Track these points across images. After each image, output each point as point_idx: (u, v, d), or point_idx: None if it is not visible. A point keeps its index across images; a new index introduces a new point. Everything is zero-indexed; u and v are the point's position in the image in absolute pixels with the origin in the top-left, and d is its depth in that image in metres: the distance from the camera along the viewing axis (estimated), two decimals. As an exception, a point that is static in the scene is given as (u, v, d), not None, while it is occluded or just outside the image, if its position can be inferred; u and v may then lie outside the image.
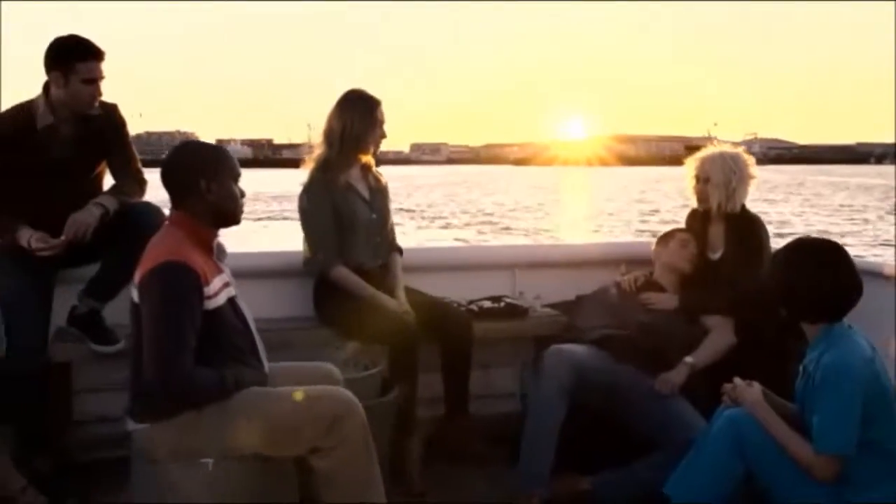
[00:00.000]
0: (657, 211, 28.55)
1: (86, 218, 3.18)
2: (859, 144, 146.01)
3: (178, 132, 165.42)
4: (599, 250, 4.47)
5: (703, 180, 3.54)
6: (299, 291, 3.67)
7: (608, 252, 4.35)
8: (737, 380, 2.60)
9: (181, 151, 2.55)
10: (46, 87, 3.25)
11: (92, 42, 3.22)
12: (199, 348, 2.34)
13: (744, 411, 2.50)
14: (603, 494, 3.04)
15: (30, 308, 3.21)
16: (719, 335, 3.36)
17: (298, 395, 2.42)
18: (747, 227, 3.51)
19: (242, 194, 2.54)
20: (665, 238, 3.73)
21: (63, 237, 3.16)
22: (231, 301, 2.50)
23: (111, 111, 3.39)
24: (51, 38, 3.24)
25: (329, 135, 3.56)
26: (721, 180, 3.48)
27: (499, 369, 3.95)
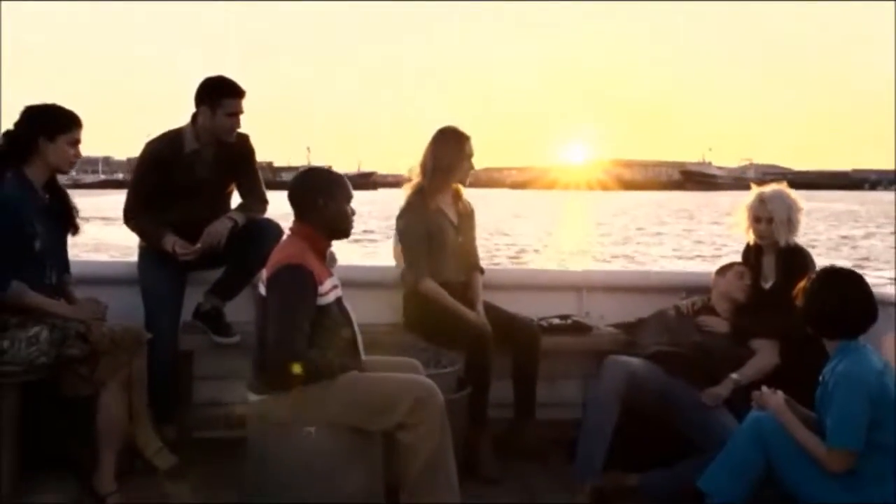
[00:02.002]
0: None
1: (220, 229, 3.76)
2: (854, 171, 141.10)
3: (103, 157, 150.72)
4: (662, 277, 4.85)
5: (765, 220, 3.88)
6: (390, 300, 4.14)
7: (671, 279, 4.72)
8: (763, 387, 2.98)
9: (306, 175, 3.09)
10: (194, 116, 3.86)
11: (236, 82, 3.82)
12: (312, 336, 2.86)
13: (768, 414, 2.88)
14: (648, 490, 3.41)
15: (167, 302, 3.81)
16: (764, 356, 3.71)
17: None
18: (797, 259, 3.84)
19: (353, 212, 3.07)
20: (723, 269, 4.10)
21: (199, 244, 3.76)
22: (338, 300, 3.02)
23: (244, 140, 3.96)
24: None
25: (424, 165, 4.07)
26: (784, 218, 3.84)
27: (564, 381, 4.34)
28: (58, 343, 3.05)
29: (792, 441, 2.82)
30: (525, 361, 3.94)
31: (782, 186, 3.97)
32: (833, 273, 2.97)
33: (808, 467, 2.80)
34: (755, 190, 4.00)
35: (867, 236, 31.83)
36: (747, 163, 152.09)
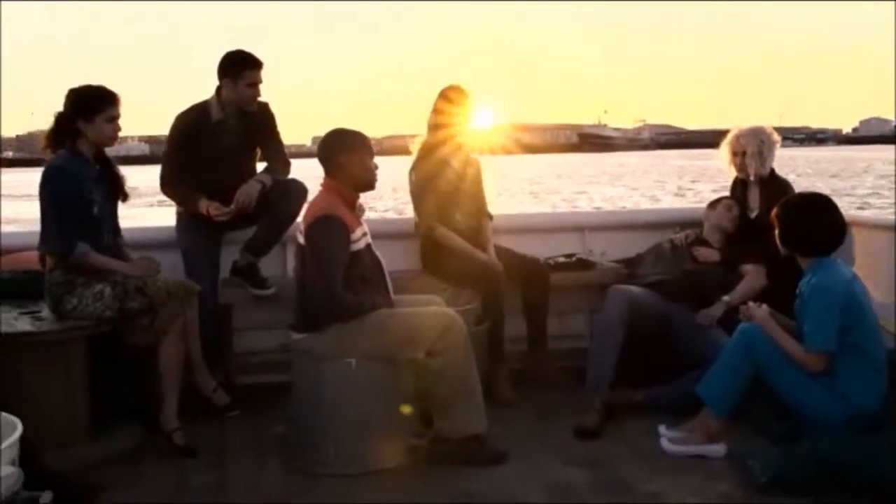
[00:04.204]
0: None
1: (250, 191, 4.08)
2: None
3: None
4: (657, 214, 5.21)
5: (740, 154, 4.25)
6: (408, 248, 4.48)
7: (665, 216, 5.09)
8: (750, 302, 3.36)
9: (332, 136, 3.41)
10: (218, 89, 4.17)
11: (254, 55, 4.12)
12: (347, 279, 3.23)
13: (755, 325, 3.26)
14: (652, 403, 3.79)
15: (206, 260, 4.15)
16: (752, 279, 4.08)
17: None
18: (778, 189, 4.20)
19: (376, 167, 3.41)
20: (713, 203, 4.46)
21: (233, 206, 4.09)
22: (368, 246, 3.37)
23: (265, 109, 4.26)
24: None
25: (429, 122, 4.41)
26: (754, 151, 4.19)
27: (571, 314, 4.72)
28: (120, 298, 3.41)
29: (776, 347, 3.20)
30: (535, 297, 4.31)
31: (762, 125, 4.31)
32: (803, 198, 3.34)
33: (790, 370, 3.19)
34: (735, 128, 4.36)
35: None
36: (641, 124, 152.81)
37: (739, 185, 4.43)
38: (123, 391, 3.71)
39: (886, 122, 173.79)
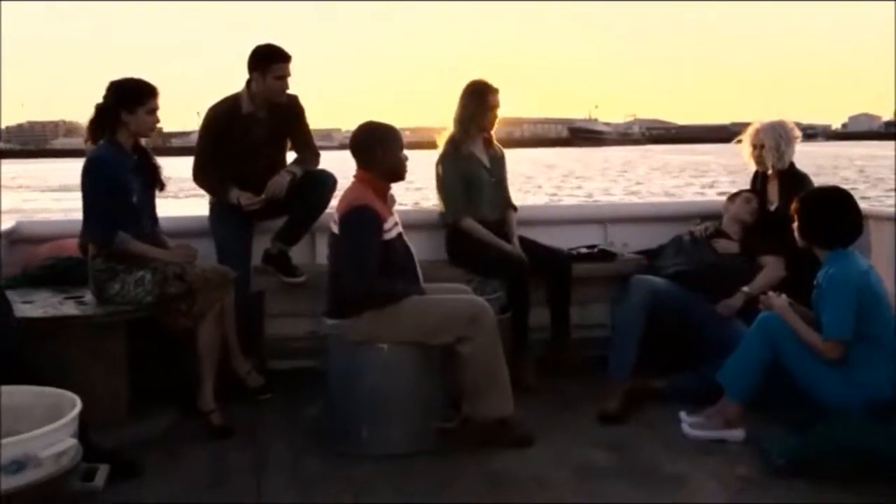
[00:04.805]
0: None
1: (280, 181, 4.20)
2: (732, 124, 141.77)
3: (63, 122, 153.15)
4: (678, 207, 5.31)
5: (758, 147, 4.35)
6: (435, 239, 4.59)
7: (686, 209, 5.19)
8: (770, 292, 3.46)
9: (364, 129, 3.52)
10: (248, 83, 4.29)
11: (283, 48, 4.24)
12: (379, 267, 3.34)
13: (774, 314, 3.36)
14: (673, 390, 3.90)
15: (238, 249, 4.28)
16: (771, 270, 4.16)
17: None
18: (797, 183, 4.29)
19: (406, 158, 3.52)
20: (733, 196, 4.56)
21: (264, 195, 4.21)
22: (399, 235, 3.49)
23: (294, 101, 4.38)
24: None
25: (455, 116, 4.52)
26: (772, 144, 4.29)
27: (593, 304, 4.81)
28: (160, 283, 3.54)
29: (794, 335, 3.30)
30: (558, 287, 4.41)
31: (782, 120, 4.40)
32: (822, 192, 3.44)
33: (808, 358, 3.29)
34: (757, 122, 4.45)
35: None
36: (632, 118, 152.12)
37: (759, 178, 4.52)
38: (159, 374, 3.85)
39: (875, 118, 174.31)
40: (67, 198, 26.30)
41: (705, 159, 56.13)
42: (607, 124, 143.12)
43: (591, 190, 31.98)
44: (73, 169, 3.35)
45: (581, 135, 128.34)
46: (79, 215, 3.73)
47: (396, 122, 3.65)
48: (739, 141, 4.53)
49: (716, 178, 36.58)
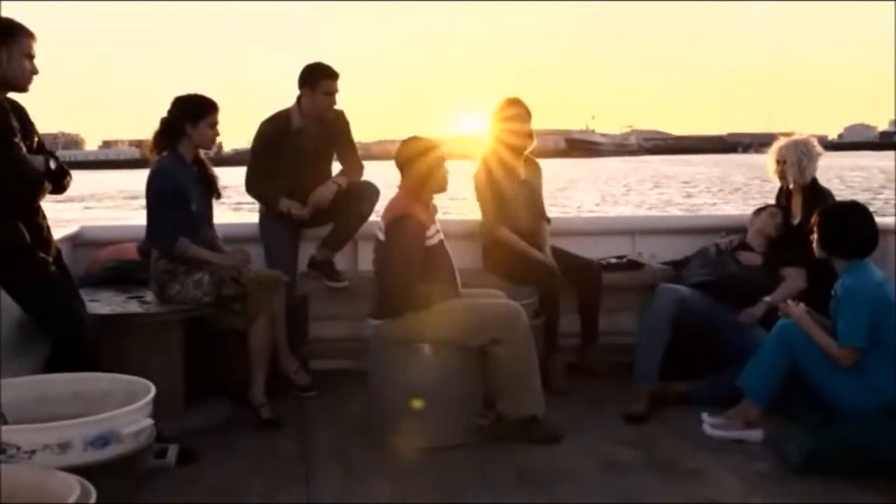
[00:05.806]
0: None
1: (325, 192, 4.47)
2: (729, 135, 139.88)
3: (62, 133, 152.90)
4: (704, 220, 5.50)
5: (781, 163, 4.54)
6: (472, 249, 4.79)
7: (712, 222, 5.38)
8: (789, 300, 3.66)
9: (408, 144, 3.77)
10: (298, 98, 4.56)
11: (331, 66, 4.51)
12: (421, 271, 3.59)
13: (792, 322, 3.56)
14: (696, 394, 4.09)
15: (286, 255, 4.55)
16: (793, 281, 4.34)
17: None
18: (819, 198, 4.46)
19: (447, 172, 3.76)
20: (759, 211, 4.75)
21: (309, 206, 4.48)
22: (440, 242, 3.74)
23: (340, 116, 4.64)
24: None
25: (492, 132, 4.76)
26: (794, 160, 4.47)
27: (621, 313, 5.01)
28: (217, 285, 3.82)
29: (811, 342, 3.50)
30: (588, 295, 4.64)
31: (806, 137, 4.58)
32: (840, 206, 3.64)
33: (824, 363, 3.48)
34: (782, 138, 4.64)
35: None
36: (629, 129, 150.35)
37: (784, 194, 4.71)
38: (211, 370, 4.12)
39: (871, 128, 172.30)
40: (74, 208, 27.09)
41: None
42: (604, 135, 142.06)
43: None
44: (76, 181, 3.63)
45: (579, 146, 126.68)
46: (133, 222, 4.02)
47: (390, 132, 3.87)
48: (745, 150, 4.72)
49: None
